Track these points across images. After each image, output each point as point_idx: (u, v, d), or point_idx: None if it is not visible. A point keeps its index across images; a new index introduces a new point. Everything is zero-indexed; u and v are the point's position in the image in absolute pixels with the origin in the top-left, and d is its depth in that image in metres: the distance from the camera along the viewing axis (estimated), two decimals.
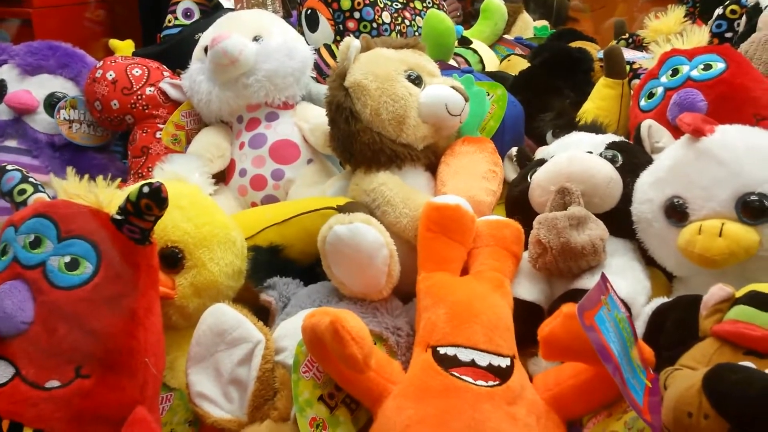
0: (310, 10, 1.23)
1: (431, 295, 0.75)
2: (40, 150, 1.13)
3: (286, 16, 1.51)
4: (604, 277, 0.62)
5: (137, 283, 0.64)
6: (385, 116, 0.87)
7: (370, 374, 0.67)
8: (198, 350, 0.69)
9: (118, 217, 0.64)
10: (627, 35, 1.48)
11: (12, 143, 1.14)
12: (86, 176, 0.68)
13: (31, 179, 0.69)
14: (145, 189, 0.62)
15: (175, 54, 1.29)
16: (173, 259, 0.76)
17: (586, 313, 0.54)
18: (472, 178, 0.89)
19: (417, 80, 0.90)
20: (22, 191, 0.68)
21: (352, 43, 0.89)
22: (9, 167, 0.70)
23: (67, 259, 0.62)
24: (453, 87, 0.89)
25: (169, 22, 1.47)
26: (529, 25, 1.77)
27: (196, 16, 1.47)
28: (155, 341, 0.65)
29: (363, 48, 0.91)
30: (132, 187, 0.64)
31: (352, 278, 0.75)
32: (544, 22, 1.90)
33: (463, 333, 0.69)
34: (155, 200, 0.62)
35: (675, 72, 0.95)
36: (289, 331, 0.73)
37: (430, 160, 0.93)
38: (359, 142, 0.88)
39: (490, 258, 0.79)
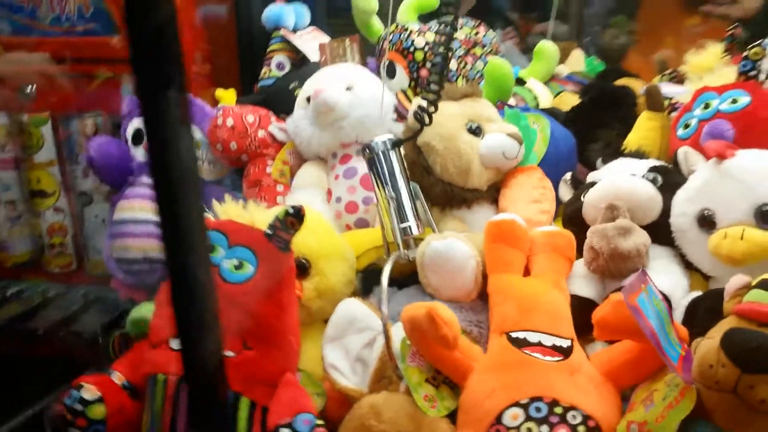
0: (389, 62, 1.45)
1: (501, 293, 0.92)
2: None
3: (363, 64, 1.74)
4: (643, 271, 0.79)
5: (283, 280, 0.85)
6: (452, 170, 1.05)
7: (457, 354, 0.84)
8: (333, 332, 0.88)
9: (269, 231, 0.85)
10: (669, 71, 1.63)
11: (148, 180, 1.38)
12: (240, 201, 0.90)
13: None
14: (290, 210, 0.83)
15: (273, 101, 1.52)
16: (302, 268, 0.96)
17: (630, 296, 0.71)
18: (527, 205, 1.06)
19: (477, 130, 1.09)
20: None
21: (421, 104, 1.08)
22: None
23: (235, 262, 0.83)
24: (509, 134, 1.07)
25: (264, 74, 1.71)
26: (581, 60, 1.94)
27: (287, 68, 1.71)
28: (294, 325, 0.86)
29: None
30: (278, 209, 0.85)
31: (447, 285, 0.93)
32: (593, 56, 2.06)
33: (531, 320, 0.87)
34: (297, 218, 0.83)
35: (707, 106, 1.10)
36: (397, 333, 0.91)
37: (494, 196, 1.11)
38: (433, 193, 1.07)
39: (548, 261, 0.96)
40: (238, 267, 0.83)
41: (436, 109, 0.92)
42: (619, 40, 2.66)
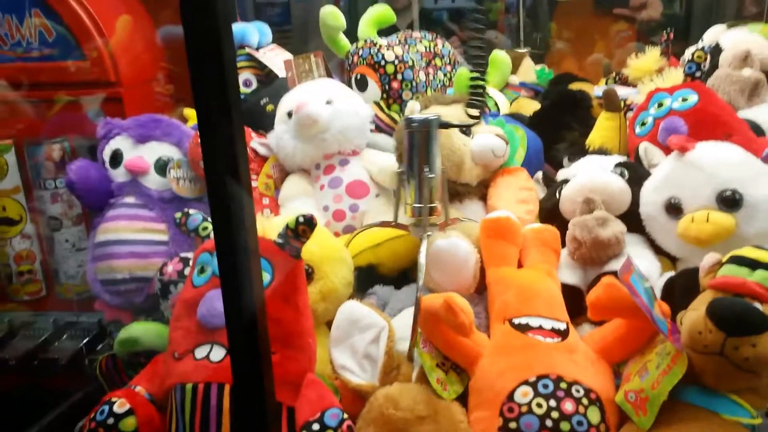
0: (359, 75, 1.51)
1: (500, 284, 1.00)
2: (154, 204, 1.37)
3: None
4: (629, 257, 0.88)
5: (297, 285, 0.89)
6: (447, 164, 1.13)
7: (467, 342, 0.91)
8: (338, 334, 0.93)
9: (280, 240, 0.89)
10: (614, 74, 1.77)
11: (130, 200, 1.38)
12: None
13: (208, 218, 0.94)
14: (301, 219, 0.87)
15: (244, 117, 1.55)
16: (306, 274, 1.01)
17: (624, 276, 0.80)
18: (515, 205, 1.14)
19: (467, 131, 1.17)
20: (205, 228, 0.93)
21: (414, 107, 1.16)
22: (192, 211, 0.95)
23: None
24: (497, 135, 1.16)
25: None
26: (531, 69, 2.06)
27: (254, 84, 1.75)
28: (311, 327, 0.90)
29: (422, 107, 1.18)
30: (288, 218, 0.90)
31: (450, 280, 0.99)
32: (543, 65, 2.20)
33: (530, 307, 0.94)
34: (309, 226, 0.88)
35: (660, 105, 1.22)
36: (400, 326, 0.97)
37: (483, 192, 1.19)
38: None
39: (539, 254, 1.05)
40: None
41: (484, 94, 1.00)
42: (556, 47, 2.83)
